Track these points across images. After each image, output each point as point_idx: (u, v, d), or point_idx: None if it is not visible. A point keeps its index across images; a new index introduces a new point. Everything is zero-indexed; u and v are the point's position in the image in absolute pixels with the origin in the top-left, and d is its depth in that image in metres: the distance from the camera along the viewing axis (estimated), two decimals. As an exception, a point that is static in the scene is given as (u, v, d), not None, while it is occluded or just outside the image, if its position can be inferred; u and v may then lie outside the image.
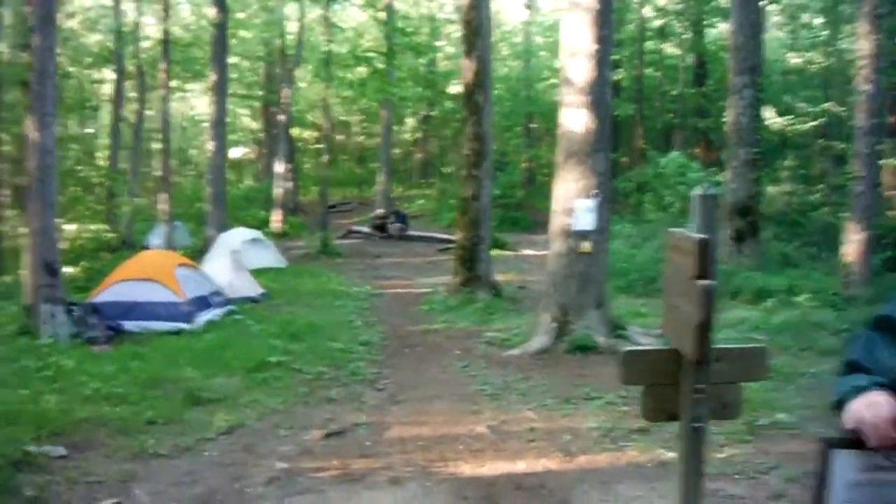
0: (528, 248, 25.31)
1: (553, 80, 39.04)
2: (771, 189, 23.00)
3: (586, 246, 10.75)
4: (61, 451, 6.93)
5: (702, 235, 2.86)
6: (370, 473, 6.31)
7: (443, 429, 7.45)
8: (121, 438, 7.31)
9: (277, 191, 32.84)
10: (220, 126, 25.20)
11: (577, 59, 10.84)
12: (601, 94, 10.83)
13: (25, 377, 9.55)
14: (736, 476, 6.05)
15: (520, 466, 6.35)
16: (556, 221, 11.05)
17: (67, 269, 18.61)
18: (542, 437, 7.07)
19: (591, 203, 10.74)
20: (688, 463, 3.00)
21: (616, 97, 27.70)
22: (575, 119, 10.81)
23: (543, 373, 9.59)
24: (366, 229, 30.47)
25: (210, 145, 25.33)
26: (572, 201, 10.77)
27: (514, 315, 13.60)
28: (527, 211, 32.51)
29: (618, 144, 31.33)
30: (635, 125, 31.70)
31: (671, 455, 6.19)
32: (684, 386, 2.97)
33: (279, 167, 33.11)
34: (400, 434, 7.36)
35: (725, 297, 14.02)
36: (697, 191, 3.01)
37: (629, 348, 3.24)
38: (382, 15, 29.98)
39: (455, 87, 38.40)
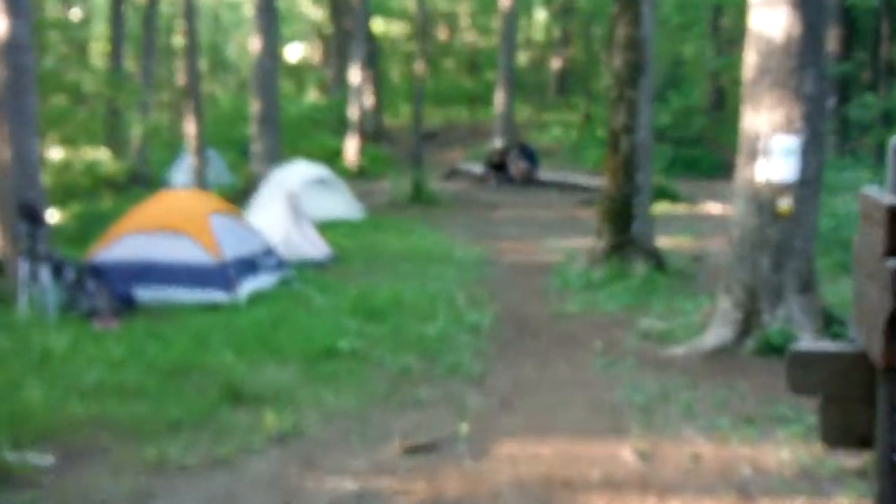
0: (710, 200, 25.16)
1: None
2: None
3: (785, 204, 10.60)
4: (50, 459, 7.51)
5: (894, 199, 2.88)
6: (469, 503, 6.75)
7: (573, 449, 7.82)
8: (133, 445, 7.90)
9: (353, 111, 33.30)
10: (268, 14, 25.79)
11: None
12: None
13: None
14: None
15: (675, 508, 6.63)
16: (743, 168, 10.97)
17: (53, 213, 19.56)
18: (711, 470, 7.34)
19: (793, 142, 10.53)
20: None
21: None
22: (771, 19, 10.60)
23: (719, 381, 9.74)
24: (477, 169, 30.88)
25: (255, 42, 25.95)
26: (766, 140, 10.63)
27: (683, 298, 13.70)
28: (711, 148, 31.91)
29: (850, 51, 30.22)
30: (880, 21, 30.51)
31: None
32: (879, 402, 3.01)
33: (355, 76, 33.44)
34: (513, 452, 7.76)
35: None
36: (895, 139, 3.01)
37: (800, 345, 3.34)
38: None
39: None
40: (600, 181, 17.56)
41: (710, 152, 31.69)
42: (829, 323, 10.89)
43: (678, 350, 11.03)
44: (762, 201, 10.77)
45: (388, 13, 45.85)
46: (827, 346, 3.27)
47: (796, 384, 3.25)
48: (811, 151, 10.69)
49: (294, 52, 51.14)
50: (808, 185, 10.77)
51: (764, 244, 10.82)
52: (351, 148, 32.95)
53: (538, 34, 50.20)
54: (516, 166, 29.88)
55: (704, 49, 37.03)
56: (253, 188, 22.82)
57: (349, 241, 19.33)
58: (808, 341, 9.41)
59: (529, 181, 29.41)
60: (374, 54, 38.55)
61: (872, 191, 3.08)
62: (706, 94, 35.60)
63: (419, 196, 26.07)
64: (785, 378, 3.24)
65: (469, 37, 54.32)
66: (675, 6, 34.81)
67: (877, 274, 2.91)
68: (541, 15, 47.70)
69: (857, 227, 3.20)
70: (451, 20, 53.77)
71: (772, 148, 10.63)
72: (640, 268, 15.26)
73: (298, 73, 51.87)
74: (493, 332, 12.30)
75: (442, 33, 53.91)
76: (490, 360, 10.93)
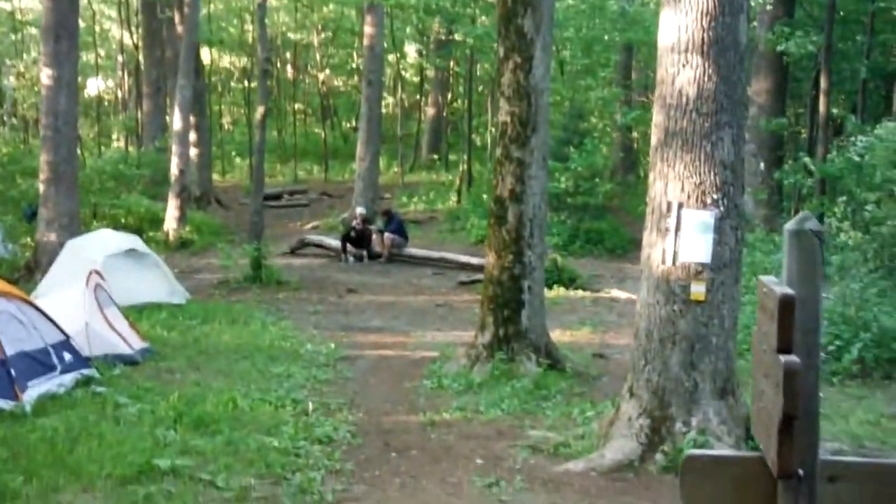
0: (617, 285, 25.41)
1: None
2: None
3: (699, 291, 10.66)
4: None
5: (788, 290, 3.14)
6: None
7: None
8: None
9: (175, 165, 32.55)
10: (65, 38, 24.60)
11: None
12: (729, 27, 10.76)
13: None
14: None
15: None
16: (650, 247, 11.08)
17: None
18: None
19: (707, 217, 10.67)
20: None
21: (782, 26, 27.39)
22: (680, 70, 10.78)
23: None
24: (332, 241, 30.66)
25: (46, 73, 24.72)
26: (675, 213, 10.74)
27: (582, 403, 13.75)
28: (619, 218, 32.38)
29: (783, 107, 30.69)
30: (819, 72, 30.65)
31: None
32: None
33: (177, 121, 32.85)
34: None
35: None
36: (791, 224, 3.30)
37: (693, 452, 3.86)
38: None
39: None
40: (484, 260, 17.45)
41: (617, 226, 31.90)
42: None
43: (574, 466, 10.94)
44: (672, 287, 10.87)
45: (219, 43, 45.02)
46: (722, 452, 3.86)
47: (690, 495, 3.45)
48: (729, 227, 10.87)
49: (94, 87, 50.10)
50: (727, 267, 10.91)
51: (675, 338, 10.87)
52: (171, 213, 31.95)
53: (408, 73, 49.23)
54: (380, 238, 29.62)
55: (613, 98, 36.87)
56: (41, 264, 22.14)
57: (169, 333, 18.84)
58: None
59: (396, 257, 29.22)
60: (203, 93, 37.99)
61: (769, 279, 3.42)
62: (613, 153, 35.64)
63: (258, 275, 25.41)
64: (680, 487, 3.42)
65: (323, 76, 52.88)
66: (578, 46, 34.67)
67: (771, 371, 3.22)
68: (411, 50, 46.60)
69: (756, 320, 3.61)
70: (301, 52, 53.07)
71: (682, 223, 10.73)
72: (530, 367, 15.26)
73: (100, 112, 50.83)
74: (351, 447, 12.04)
75: (289, 69, 53.20)
76: (348, 480, 10.65)
